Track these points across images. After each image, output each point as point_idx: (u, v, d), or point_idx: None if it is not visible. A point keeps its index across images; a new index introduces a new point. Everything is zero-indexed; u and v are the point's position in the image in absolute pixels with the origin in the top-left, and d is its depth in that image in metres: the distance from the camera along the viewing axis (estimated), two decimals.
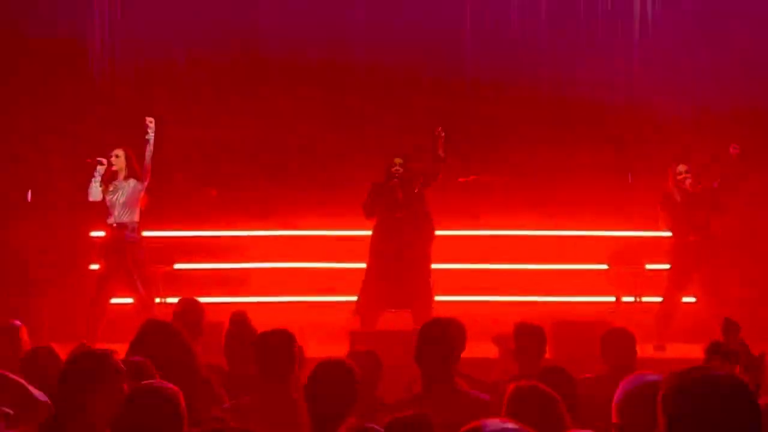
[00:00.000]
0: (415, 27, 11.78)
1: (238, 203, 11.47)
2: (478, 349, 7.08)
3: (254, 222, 11.04)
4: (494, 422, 2.54)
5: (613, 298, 10.33)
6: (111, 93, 11.42)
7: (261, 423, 4.02)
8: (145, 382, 3.60)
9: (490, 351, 7.13)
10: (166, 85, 11.59)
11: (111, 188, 9.08)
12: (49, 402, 4.02)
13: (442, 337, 4.52)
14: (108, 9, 11.69)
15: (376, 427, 3.51)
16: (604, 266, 10.62)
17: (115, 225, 9.04)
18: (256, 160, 11.77)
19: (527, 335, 5.72)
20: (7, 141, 10.83)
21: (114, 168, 9.07)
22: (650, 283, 10.18)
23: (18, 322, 5.59)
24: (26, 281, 10.35)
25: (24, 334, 5.54)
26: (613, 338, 5.83)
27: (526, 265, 10.77)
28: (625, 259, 10.49)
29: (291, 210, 11.02)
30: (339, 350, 6.29)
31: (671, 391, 2.45)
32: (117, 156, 9.08)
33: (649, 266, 10.33)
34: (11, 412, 3.86)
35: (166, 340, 4.58)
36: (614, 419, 3.15)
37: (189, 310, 6.12)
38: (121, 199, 9.02)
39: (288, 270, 10.62)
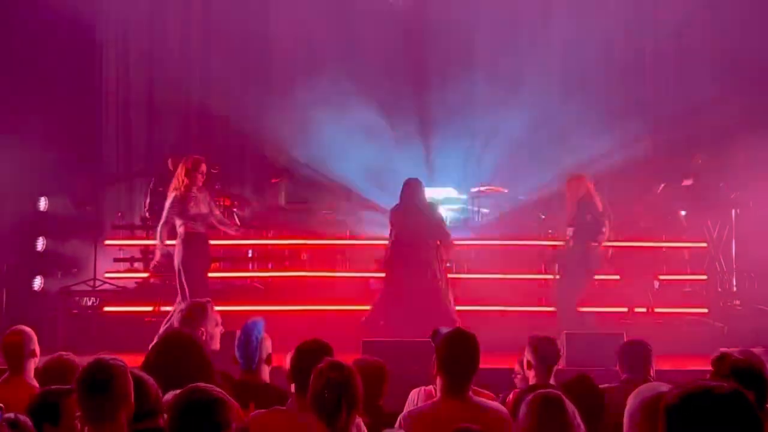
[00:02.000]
0: None
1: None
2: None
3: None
4: None
5: (625, 309, 10.34)
6: None
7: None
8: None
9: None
10: None
11: (193, 201, 9.01)
12: None
13: (468, 347, 4.50)
14: None
15: None
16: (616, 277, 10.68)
17: (203, 232, 9.13)
18: None
19: (541, 347, 5.72)
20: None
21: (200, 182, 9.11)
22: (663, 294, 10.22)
23: (28, 329, 5.61)
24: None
25: (35, 340, 5.55)
26: (630, 349, 5.84)
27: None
28: (638, 271, 10.54)
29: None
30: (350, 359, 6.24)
31: (672, 404, 2.46)
32: (203, 173, 9.12)
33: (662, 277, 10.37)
34: (12, 415, 3.91)
35: (184, 350, 4.62)
36: (626, 429, 3.16)
37: (195, 313, 6.07)
38: (205, 210, 9.11)
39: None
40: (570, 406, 3.66)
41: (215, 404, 3.45)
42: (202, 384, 3.58)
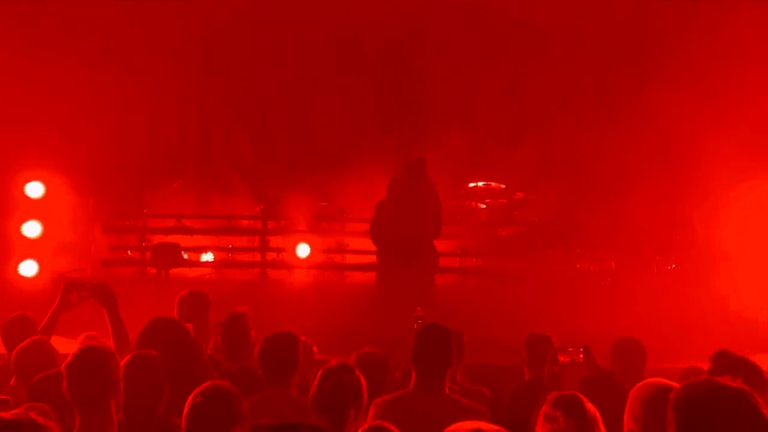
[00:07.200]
0: None
1: None
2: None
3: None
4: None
5: None
6: None
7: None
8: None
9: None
10: None
11: None
12: None
13: (440, 342, 4.54)
14: None
15: (388, 425, 3.51)
16: None
17: None
18: None
19: (537, 343, 5.74)
20: None
21: None
22: None
23: (30, 314, 5.64)
24: None
25: (36, 326, 5.57)
26: (623, 347, 5.85)
27: None
28: None
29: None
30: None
31: (681, 401, 2.49)
32: None
33: None
34: (9, 399, 3.94)
35: (172, 336, 4.65)
36: (629, 425, 3.16)
37: (193, 299, 6.10)
38: None
39: None
40: (591, 411, 3.53)
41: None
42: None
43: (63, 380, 3.82)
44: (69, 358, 3.87)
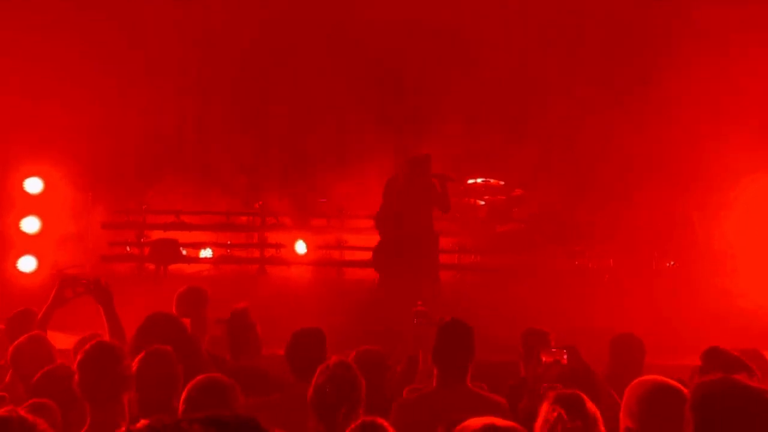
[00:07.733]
0: None
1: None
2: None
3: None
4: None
5: None
6: None
7: (288, 420, 4.02)
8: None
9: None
10: None
11: None
12: None
13: (464, 338, 4.57)
14: None
15: (382, 421, 3.51)
16: None
17: None
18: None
19: (529, 339, 5.74)
20: None
21: None
22: None
23: (33, 310, 5.64)
24: None
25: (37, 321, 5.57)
26: (622, 343, 5.85)
27: None
28: None
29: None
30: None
31: (699, 400, 2.48)
32: None
33: None
34: (6, 395, 3.94)
35: (170, 331, 4.65)
36: (625, 422, 3.16)
37: (192, 295, 6.09)
38: None
39: None
40: (592, 410, 3.52)
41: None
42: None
43: (71, 376, 3.84)
44: (80, 356, 3.88)
